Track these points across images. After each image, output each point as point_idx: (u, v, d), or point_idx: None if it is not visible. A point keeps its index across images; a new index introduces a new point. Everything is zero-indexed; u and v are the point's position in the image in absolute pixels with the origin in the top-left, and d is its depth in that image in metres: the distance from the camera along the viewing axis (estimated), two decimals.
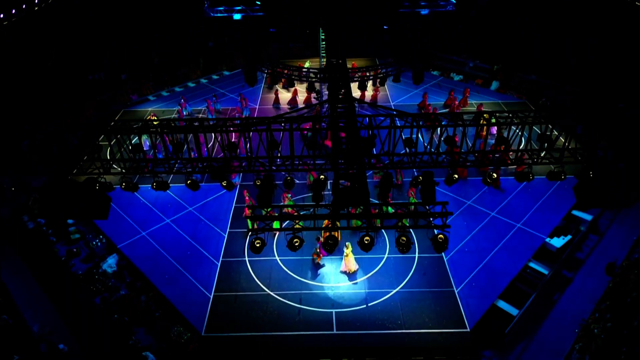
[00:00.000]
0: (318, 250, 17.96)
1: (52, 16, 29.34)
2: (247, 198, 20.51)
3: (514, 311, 16.51)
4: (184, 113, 28.93)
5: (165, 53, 36.18)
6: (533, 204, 21.57)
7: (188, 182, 16.09)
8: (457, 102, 29.40)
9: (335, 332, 15.85)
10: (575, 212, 21.01)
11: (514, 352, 15.58)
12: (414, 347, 15.30)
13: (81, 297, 17.61)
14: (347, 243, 17.83)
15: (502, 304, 16.80)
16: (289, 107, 30.76)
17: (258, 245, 11.86)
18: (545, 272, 18.05)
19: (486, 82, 33.60)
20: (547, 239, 19.36)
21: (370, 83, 30.60)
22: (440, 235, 11.73)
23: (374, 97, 31.40)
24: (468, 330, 15.80)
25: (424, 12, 33.56)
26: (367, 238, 11.50)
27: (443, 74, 35.62)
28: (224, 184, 15.82)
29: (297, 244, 11.75)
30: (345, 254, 17.74)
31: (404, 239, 11.44)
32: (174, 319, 16.51)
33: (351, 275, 17.87)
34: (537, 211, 21.11)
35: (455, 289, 17.33)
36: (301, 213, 12.47)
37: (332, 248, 11.77)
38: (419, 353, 15.21)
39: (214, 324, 16.13)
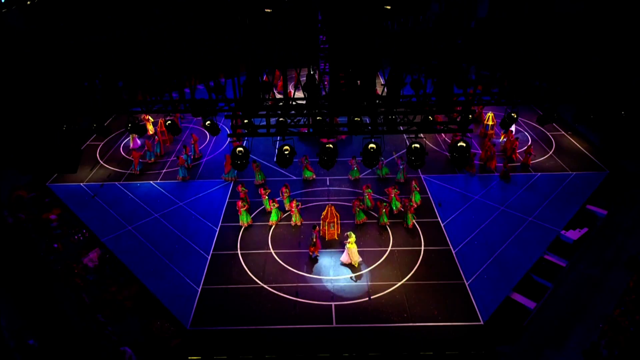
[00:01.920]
0: (314, 240, 16.61)
1: (48, 15, 28.89)
2: (242, 193, 19.34)
3: (530, 304, 15.06)
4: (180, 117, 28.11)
5: (164, 61, 35.68)
6: (544, 199, 20.37)
7: (168, 122, 15.13)
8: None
9: (334, 325, 14.35)
10: (589, 207, 19.80)
11: (534, 347, 14.03)
12: (422, 341, 13.77)
13: (58, 292, 16.16)
14: (349, 232, 16.51)
15: (517, 297, 15.35)
16: None
17: (241, 154, 10.47)
18: (563, 264, 16.67)
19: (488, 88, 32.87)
20: (562, 232, 18.05)
21: None
22: (462, 143, 10.22)
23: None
24: (482, 323, 14.30)
25: None
26: (372, 146, 10.07)
27: None
28: (208, 123, 14.73)
29: (287, 152, 10.38)
30: (348, 243, 16.39)
31: (418, 145, 9.90)
32: (157, 313, 15.03)
33: (354, 268, 16.46)
34: (549, 206, 19.88)
35: (465, 281, 15.91)
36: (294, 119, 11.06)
37: (329, 164, 10.39)
38: (428, 347, 13.67)
39: (201, 318, 14.65)
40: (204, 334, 14.13)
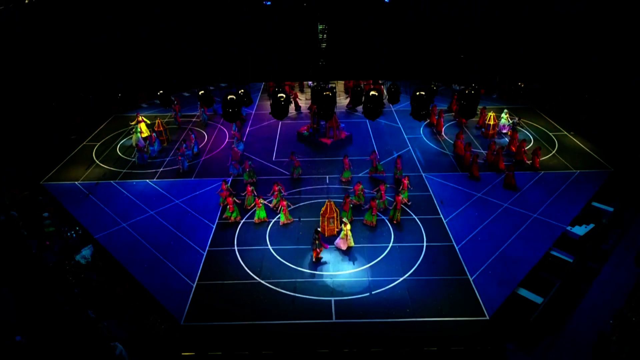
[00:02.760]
0: (318, 241, 16.00)
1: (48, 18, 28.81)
2: (225, 190, 18.82)
3: (538, 299, 14.51)
4: (179, 115, 27.83)
5: (162, 67, 35.52)
6: (548, 196, 19.92)
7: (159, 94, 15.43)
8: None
9: (334, 320, 13.79)
10: (595, 204, 19.34)
11: (542, 344, 13.46)
12: (425, 337, 13.19)
13: (49, 288, 15.63)
14: (344, 220, 16.06)
15: (524, 292, 14.81)
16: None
17: (232, 101, 10.11)
18: (570, 260, 16.16)
19: (488, 92, 32.71)
20: (569, 228, 17.59)
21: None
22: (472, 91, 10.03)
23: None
24: (487, 318, 13.74)
25: None
26: (373, 93, 9.78)
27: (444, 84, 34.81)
28: (202, 93, 14.71)
29: (282, 100, 10.05)
30: (343, 231, 15.96)
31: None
32: (150, 309, 14.47)
33: (354, 263, 15.96)
34: (554, 203, 19.43)
35: (469, 277, 15.39)
36: None
37: (328, 113, 10.27)
38: (432, 343, 13.08)
39: (195, 313, 14.10)
40: (198, 330, 13.57)
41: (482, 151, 23.70)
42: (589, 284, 15.89)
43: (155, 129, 25.01)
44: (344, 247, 16.37)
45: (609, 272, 16.48)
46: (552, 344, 13.55)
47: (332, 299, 14.57)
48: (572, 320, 14.38)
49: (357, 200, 18.86)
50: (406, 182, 19.11)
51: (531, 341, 13.52)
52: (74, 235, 18.18)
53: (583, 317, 14.53)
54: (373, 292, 14.74)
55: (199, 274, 15.69)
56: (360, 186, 18.95)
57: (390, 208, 18.17)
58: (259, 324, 13.68)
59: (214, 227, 18.18)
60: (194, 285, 15.17)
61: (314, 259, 16.07)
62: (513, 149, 23.28)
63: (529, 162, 22.34)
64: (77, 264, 16.73)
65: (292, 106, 30.15)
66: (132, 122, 25.96)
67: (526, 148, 23.02)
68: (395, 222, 17.99)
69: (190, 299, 14.61)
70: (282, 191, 18.78)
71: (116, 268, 16.32)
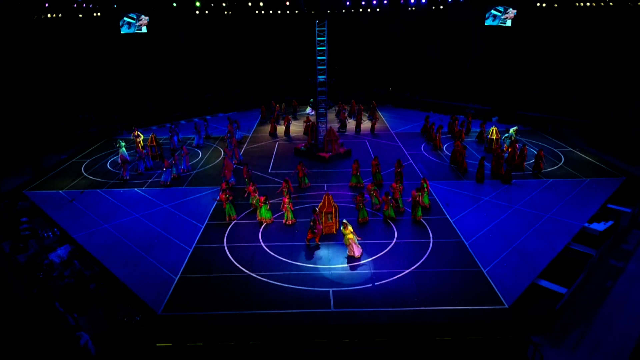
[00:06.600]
0: (313, 223, 14.71)
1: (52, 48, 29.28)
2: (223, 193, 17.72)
3: (561, 290, 12.92)
4: (175, 139, 26.95)
5: (160, 99, 35.59)
6: (560, 199, 18.75)
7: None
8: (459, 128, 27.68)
9: (333, 310, 12.13)
10: (611, 206, 18.10)
11: (571, 336, 11.72)
12: (437, 326, 11.51)
13: (15, 283, 14.03)
14: (344, 221, 14.67)
15: (545, 283, 13.24)
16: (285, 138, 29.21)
17: None
18: (592, 253, 14.70)
19: (488, 117, 32.40)
20: (586, 224, 16.27)
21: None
22: None
23: (373, 125, 30.01)
24: (506, 307, 12.11)
25: None
26: None
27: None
28: None
29: None
30: (345, 234, 14.46)
31: None
32: (125, 301, 12.85)
33: (357, 260, 14.43)
34: (567, 205, 18.24)
35: (482, 269, 13.87)
36: None
37: None
38: (445, 332, 11.38)
39: (175, 304, 12.47)
40: (177, 320, 11.88)
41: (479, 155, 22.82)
42: (616, 280, 14.33)
43: (149, 144, 24.26)
44: (357, 254, 14.63)
45: (635, 269, 14.96)
46: (583, 336, 11.81)
47: (331, 289, 12.98)
48: (601, 312, 12.71)
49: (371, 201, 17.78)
50: (422, 183, 18.03)
51: (558, 332, 11.81)
52: (51, 235, 16.82)
53: (615, 310, 12.86)
54: (376, 283, 13.18)
55: (183, 267, 14.18)
56: (374, 187, 17.87)
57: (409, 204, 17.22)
58: (247, 313, 12.02)
59: (203, 227, 16.84)
60: (177, 278, 13.62)
61: (307, 241, 14.72)
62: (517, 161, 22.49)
63: (529, 169, 21.77)
64: (50, 263, 15.23)
65: (282, 129, 29.53)
66: (133, 136, 25.35)
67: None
68: (418, 218, 16.89)
69: (171, 291, 13.01)
70: (291, 189, 17.80)
71: (93, 265, 14.80)
